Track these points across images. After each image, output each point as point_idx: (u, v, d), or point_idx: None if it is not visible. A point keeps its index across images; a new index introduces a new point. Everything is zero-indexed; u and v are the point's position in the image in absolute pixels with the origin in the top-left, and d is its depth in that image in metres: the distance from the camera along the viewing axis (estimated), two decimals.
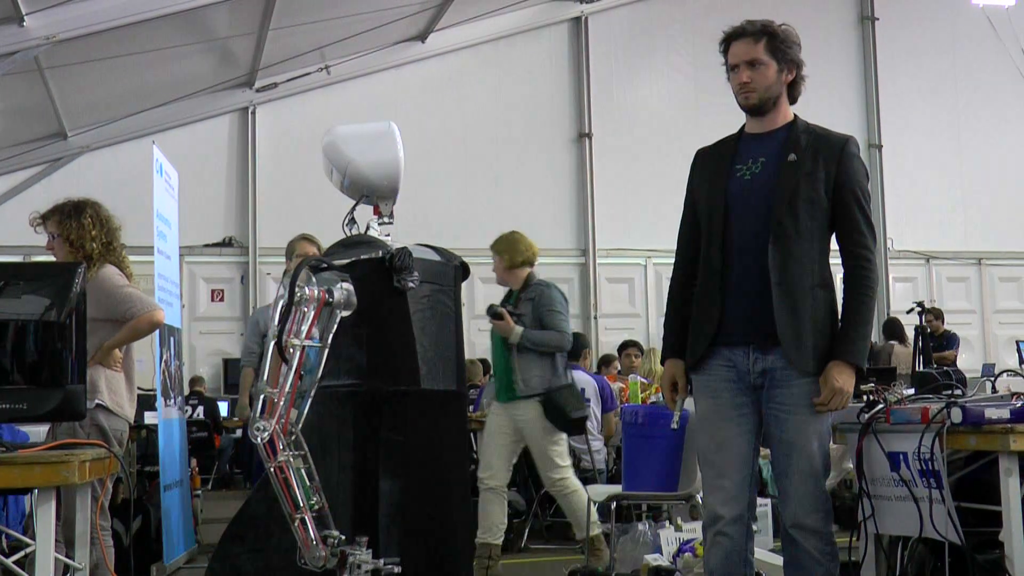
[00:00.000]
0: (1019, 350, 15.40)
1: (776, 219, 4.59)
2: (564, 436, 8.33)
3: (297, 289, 3.93)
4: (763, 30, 4.75)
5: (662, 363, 5.02)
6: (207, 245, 18.02)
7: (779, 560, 5.33)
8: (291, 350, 3.94)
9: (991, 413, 4.61)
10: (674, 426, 4.99)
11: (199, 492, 11.21)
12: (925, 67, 20.92)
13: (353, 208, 4.92)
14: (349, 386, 4.36)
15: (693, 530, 7.12)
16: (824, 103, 19.25)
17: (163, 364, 9.03)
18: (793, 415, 4.61)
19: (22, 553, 5.21)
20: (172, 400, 9.28)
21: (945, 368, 6.82)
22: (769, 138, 4.79)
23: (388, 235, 4.84)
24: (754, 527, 4.78)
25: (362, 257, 4.46)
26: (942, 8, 20.97)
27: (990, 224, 20.83)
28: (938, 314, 16.49)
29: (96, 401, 5.98)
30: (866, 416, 5.09)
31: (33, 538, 4.39)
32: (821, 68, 19.81)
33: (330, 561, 3.96)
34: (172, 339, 9.44)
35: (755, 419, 4.73)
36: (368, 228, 4.84)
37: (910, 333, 14.54)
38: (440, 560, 4.54)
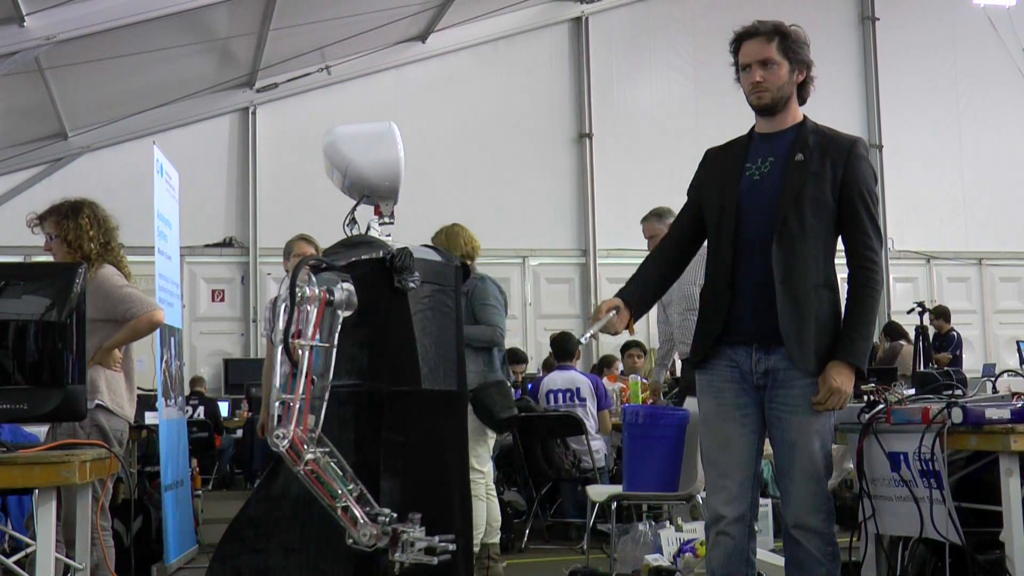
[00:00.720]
0: (1020, 350, 15.40)
1: (782, 218, 4.60)
2: (492, 437, 8.24)
3: (297, 289, 3.92)
4: (775, 30, 4.77)
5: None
6: (208, 245, 18.03)
7: (780, 560, 5.32)
8: (299, 352, 3.94)
9: (992, 413, 4.61)
10: (583, 341, 4.91)
11: (199, 492, 11.22)
12: (926, 67, 20.92)
13: (354, 208, 4.92)
14: (350, 386, 4.35)
15: (694, 530, 7.12)
16: (824, 103, 19.19)
17: (163, 364, 9.03)
18: (795, 415, 4.62)
19: (23, 553, 5.21)
20: (172, 400, 9.28)
21: (946, 368, 6.81)
22: (778, 138, 4.80)
23: (389, 235, 4.83)
24: (755, 527, 4.78)
25: (363, 257, 4.46)
26: (943, 8, 20.98)
27: (991, 224, 20.84)
28: (939, 313, 16.49)
29: (96, 401, 5.97)
30: (867, 416, 5.09)
31: (33, 538, 4.39)
32: (821, 68, 19.68)
33: (382, 540, 3.93)
34: (172, 339, 9.44)
35: (758, 419, 4.72)
36: (369, 228, 4.83)
37: (910, 333, 14.55)
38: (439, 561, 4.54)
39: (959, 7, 20.73)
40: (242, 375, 16.69)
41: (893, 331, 16.30)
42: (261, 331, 17.29)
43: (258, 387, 13.06)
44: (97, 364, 6.02)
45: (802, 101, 4.89)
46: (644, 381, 10.96)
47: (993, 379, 5.38)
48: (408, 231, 8.20)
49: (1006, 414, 4.59)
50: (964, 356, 17.56)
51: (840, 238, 4.75)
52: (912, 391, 5.46)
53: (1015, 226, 20.83)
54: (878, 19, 20.84)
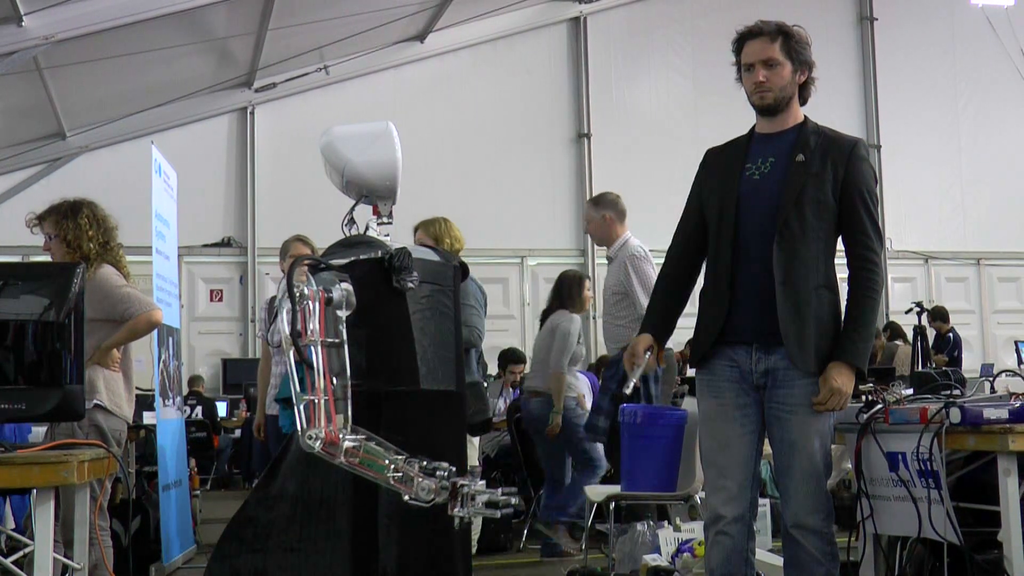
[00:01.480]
0: (1018, 350, 15.42)
1: (782, 219, 4.61)
2: (472, 440, 8.27)
3: (296, 289, 3.92)
4: (779, 30, 4.78)
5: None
6: (206, 245, 18.02)
7: (779, 560, 5.33)
8: (308, 349, 3.92)
9: (990, 413, 4.61)
10: (627, 391, 4.91)
11: (198, 492, 11.22)
12: (924, 67, 20.93)
13: (352, 208, 4.92)
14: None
15: (692, 530, 7.12)
16: (823, 103, 19.16)
17: (162, 364, 9.04)
18: (795, 415, 4.62)
19: (21, 553, 5.21)
20: (171, 400, 9.29)
21: (944, 368, 6.82)
22: (779, 138, 4.80)
23: (387, 235, 4.84)
24: (754, 527, 4.78)
25: (361, 257, 4.46)
26: (941, 8, 20.99)
27: (989, 224, 20.85)
28: (937, 314, 16.49)
29: (95, 401, 5.97)
30: (865, 416, 5.09)
31: (32, 538, 4.39)
32: (820, 68, 19.71)
33: (440, 494, 3.90)
34: (171, 339, 9.44)
35: (758, 419, 4.72)
36: (367, 228, 4.83)
37: (908, 333, 14.56)
38: (439, 560, 4.54)
39: (957, 7, 20.73)
40: (240, 375, 16.68)
41: (892, 331, 16.31)
42: (256, 332, 17.30)
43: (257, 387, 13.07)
44: (96, 364, 6.02)
45: (803, 102, 4.89)
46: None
47: (991, 379, 5.38)
48: (407, 231, 8.26)
49: (1004, 414, 4.60)
50: (963, 356, 17.57)
51: (840, 239, 4.75)
52: (910, 391, 5.46)
53: (1013, 226, 20.84)
54: (876, 19, 20.85)
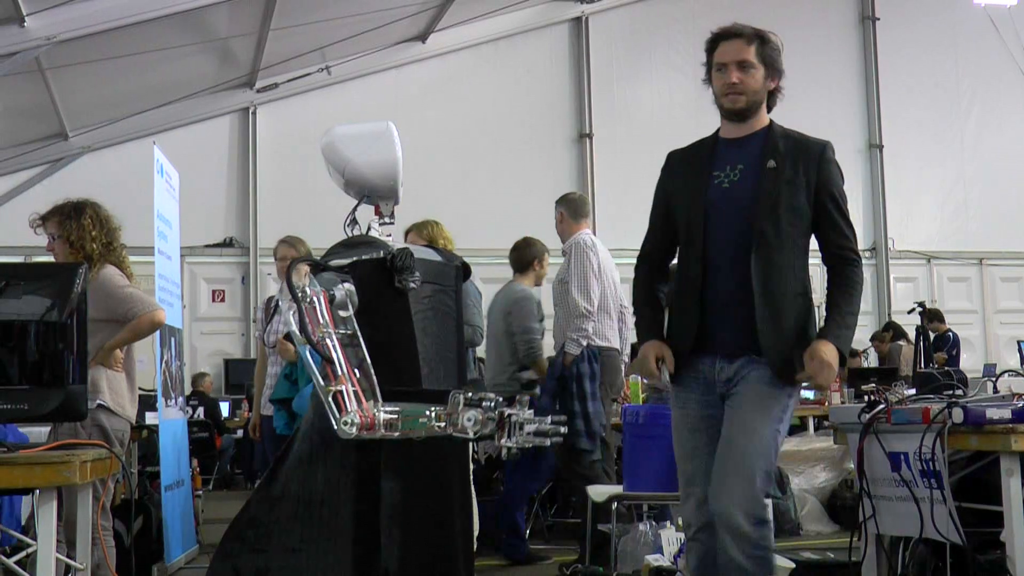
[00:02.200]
0: (1020, 350, 15.42)
1: (759, 228, 4.52)
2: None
3: (298, 290, 3.92)
4: (756, 34, 4.71)
5: (635, 351, 5.05)
6: (208, 245, 18.04)
7: (786, 561, 5.32)
8: (325, 343, 3.92)
9: (992, 413, 4.62)
10: (666, 389, 4.89)
11: (200, 492, 11.22)
12: (926, 66, 20.92)
13: (354, 209, 4.92)
14: None
15: None
16: (824, 103, 19.24)
17: (164, 364, 9.03)
18: (740, 410, 4.51)
19: (23, 553, 5.22)
20: (173, 400, 9.29)
21: (947, 368, 6.83)
22: (747, 143, 4.73)
23: (390, 235, 4.84)
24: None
25: (363, 257, 4.46)
26: (943, 7, 20.97)
27: (991, 224, 20.84)
28: (933, 316, 16.50)
29: (98, 401, 5.98)
30: (867, 416, 5.09)
31: (34, 538, 4.40)
32: (822, 68, 19.79)
33: (487, 425, 3.87)
34: (173, 339, 9.44)
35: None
36: (369, 229, 4.83)
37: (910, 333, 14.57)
38: (440, 561, 4.54)
39: (960, 6, 20.71)
40: (243, 375, 16.68)
41: (894, 331, 16.32)
42: (254, 333, 17.32)
43: None
44: (99, 364, 6.03)
45: (769, 109, 4.80)
46: (645, 381, 10.95)
47: (994, 379, 5.38)
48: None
49: (1007, 414, 4.60)
50: (965, 356, 17.57)
51: (816, 241, 4.69)
52: (912, 391, 5.46)
53: (1016, 226, 20.82)
54: (878, 19, 20.81)
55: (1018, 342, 16.02)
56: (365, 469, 4.26)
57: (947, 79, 21.04)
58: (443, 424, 3.86)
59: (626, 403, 9.90)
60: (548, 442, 3.92)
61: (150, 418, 9.54)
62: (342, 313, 4.04)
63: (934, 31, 21.02)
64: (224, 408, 16.45)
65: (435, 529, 4.29)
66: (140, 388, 6.74)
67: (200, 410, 15.39)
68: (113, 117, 16.89)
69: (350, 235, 4.82)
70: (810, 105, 17.17)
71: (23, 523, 7.28)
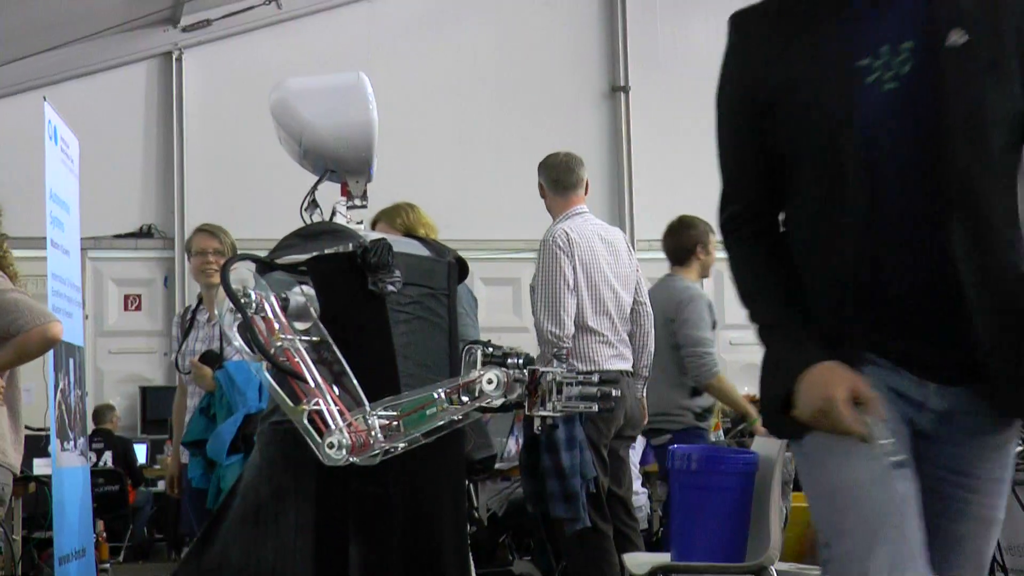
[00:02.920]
0: None
1: (963, 167, 3.37)
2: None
3: (243, 298, 3.93)
4: None
5: (797, 370, 3.40)
6: (118, 236, 18.03)
7: None
8: (287, 351, 3.94)
9: None
10: (896, 457, 3.32)
11: (108, 565, 11.24)
12: None
13: (314, 187, 4.93)
14: None
15: None
16: None
17: (59, 395, 9.03)
18: (975, 495, 3.54)
19: None
20: (71, 442, 9.29)
21: None
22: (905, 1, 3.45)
23: (361, 222, 4.85)
24: None
25: (326, 252, 4.48)
26: None
27: None
28: None
29: None
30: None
31: None
32: None
33: (513, 388, 3.88)
34: (71, 361, 9.45)
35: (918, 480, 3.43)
36: (334, 214, 4.84)
37: None
38: None
39: None
40: (165, 408, 16.55)
41: None
42: (163, 351, 17.34)
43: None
44: None
45: None
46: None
47: None
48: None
49: None
50: None
51: None
52: None
53: None
54: None
55: None
56: (329, 529, 4.27)
57: None
58: (461, 400, 3.87)
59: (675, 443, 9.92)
60: (596, 407, 3.92)
61: (39, 466, 9.55)
62: (299, 325, 4.06)
63: None
64: (140, 452, 16.44)
65: None
66: (26, 427, 6.74)
67: (108, 455, 15.39)
68: None
69: (308, 222, 4.83)
70: None
71: None
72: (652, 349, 8.58)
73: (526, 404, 3.88)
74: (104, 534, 11.85)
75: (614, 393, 3.93)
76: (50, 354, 8.03)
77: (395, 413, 3.88)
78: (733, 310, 18.67)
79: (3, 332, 6.10)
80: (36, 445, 9.05)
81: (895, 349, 3.45)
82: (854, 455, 3.31)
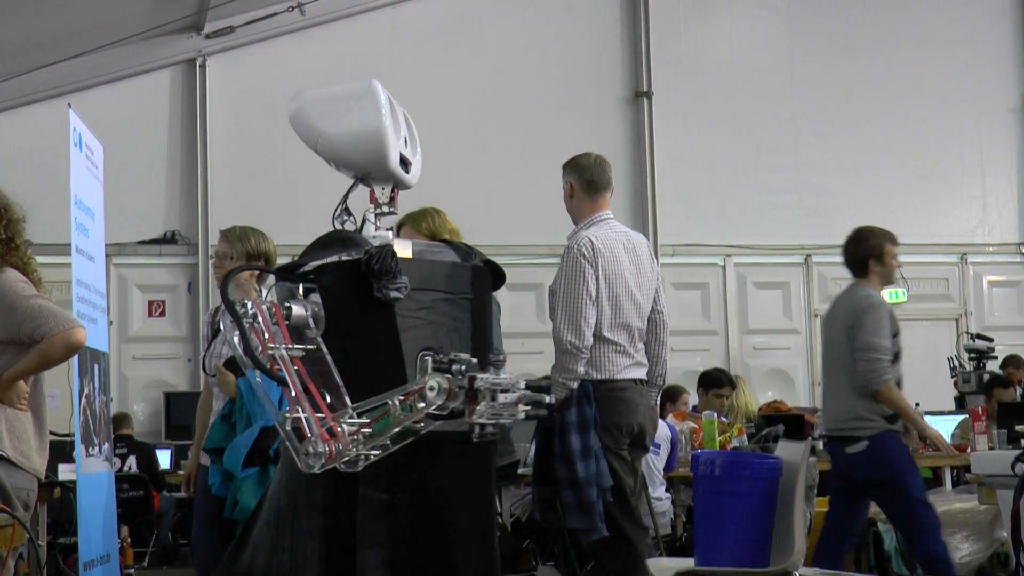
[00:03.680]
0: None
1: None
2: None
3: (239, 307, 3.93)
4: None
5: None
6: (142, 242, 18.04)
7: None
8: (277, 362, 3.93)
9: None
10: None
11: (132, 570, 11.23)
12: None
13: (345, 195, 4.90)
14: None
15: None
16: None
17: (84, 400, 9.03)
18: None
19: None
20: (96, 448, 9.28)
21: None
22: None
23: (390, 229, 4.83)
24: None
25: (329, 260, 4.46)
26: None
27: None
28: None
29: None
30: (1023, 468, 5.05)
31: None
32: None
33: (456, 396, 3.89)
34: (96, 367, 9.44)
35: None
36: (364, 222, 4.82)
37: None
38: None
39: None
40: (189, 414, 16.57)
41: None
42: (188, 357, 17.35)
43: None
44: None
45: None
46: (724, 420, 10.94)
47: None
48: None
49: None
50: None
51: None
52: None
53: None
54: None
55: None
56: (337, 538, 4.26)
57: None
58: (416, 405, 3.87)
59: (699, 448, 9.90)
60: (523, 414, 3.92)
61: (64, 472, 9.54)
62: (309, 333, 4.05)
63: None
64: (164, 458, 16.43)
65: None
66: (51, 432, 6.73)
67: (132, 460, 15.38)
68: (14, 70, 16.89)
69: (340, 228, 4.81)
70: None
71: None
72: (667, 358, 8.47)
73: (465, 412, 3.88)
74: (128, 539, 11.85)
75: (546, 399, 3.91)
76: (75, 360, 8.03)
77: (365, 420, 3.87)
78: (757, 315, 18.74)
79: (27, 338, 6.09)
80: (61, 450, 9.04)
81: None
82: None
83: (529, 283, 17.64)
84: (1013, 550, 5.19)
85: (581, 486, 7.72)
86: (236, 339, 3.90)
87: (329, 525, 4.26)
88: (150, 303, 18.30)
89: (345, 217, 4.85)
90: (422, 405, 3.87)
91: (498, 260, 6.02)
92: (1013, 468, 5.08)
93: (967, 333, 16.20)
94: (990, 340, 14.53)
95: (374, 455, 3.88)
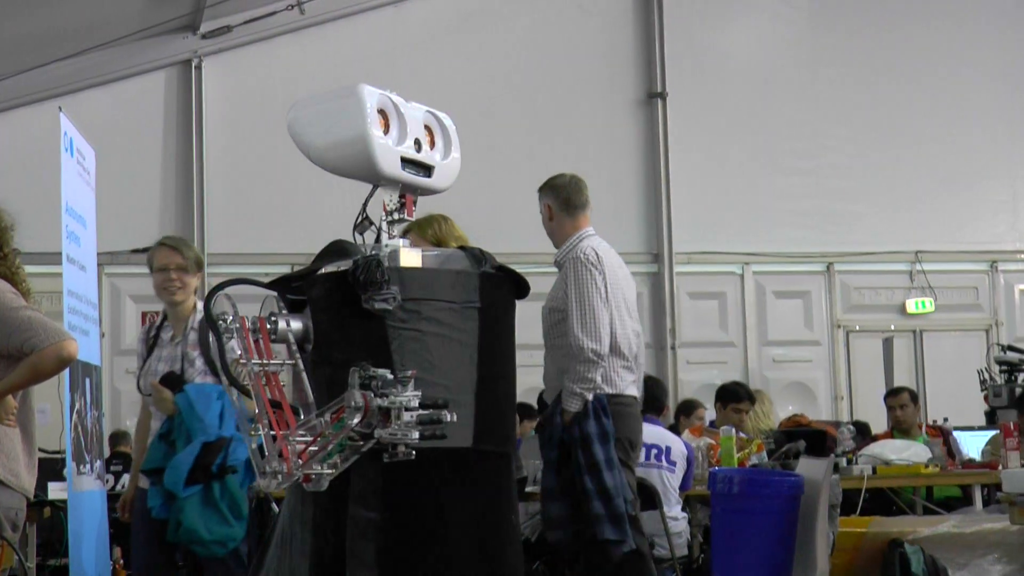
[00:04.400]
0: None
1: None
2: None
3: (221, 321, 3.94)
4: None
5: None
6: (136, 251, 18.00)
7: None
8: (249, 377, 3.95)
9: None
10: None
11: None
12: None
13: (366, 202, 4.89)
14: None
15: None
16: None
17: (75, 416, 9.03)
18: None
19: None
20: (88, 466, 9.28)
21: None
22: None
23: (402, 236, 4.84)
24: None
25: (319, 272, 4.47)
26: None
27: None
28: None
29: None
30: None
31: None
32: None
33: (372, 415, 3.92)
34: (87, 381, 9.45)
35: None
36: (379, 233, 4.82)
37: None
38: None
39: None
40: None
41: None
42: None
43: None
44: None
45: None
46: (744, 436, 10.92)
47: None
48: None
49: None
50: None
51: None
52: None
53: None
54: None
55: None
56: (324, 556, 4.28)
57: None
58: (348, 422, 3.91)
59: (716, 465, 9.89)
60: (417, 435, 3.95)
61: (55, 490, 9.53)
62: (295, 348, 4.07)
63: None
64: None
65: None
66: (41, 450, 6.73)
67: (125, 478, 15.38)
68: (4, 72, 16.90)
69: (358, 239, 4.81)
70: None
71: None
72: (642, 376, 8.57)
73: (376, 430, 3.91)
74: (122, 561, 11.82)
75: (448, 418, 3.94)
76: (66, 374, 8.03)
77: (309, 438, 3.90)
78: (777, 326, 18.72)
79: (16, 351, 6.09)
80: (51, 468, 9.04)
81: None
82: None
83: (539, 293, 17.60)
84: None
85: (611, 496, 7.79)
86: (216, 353, 3.95)
87: (319, 545, 4.27)
88: (144, 314, 18.26)
89: (367, 227, 4.84)
90: (354, 422, 3.90)
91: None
92: None
93: (998, 344, 16.16)
94: (1022, 352, 14.50)
95: (327, 473, 3.90)
